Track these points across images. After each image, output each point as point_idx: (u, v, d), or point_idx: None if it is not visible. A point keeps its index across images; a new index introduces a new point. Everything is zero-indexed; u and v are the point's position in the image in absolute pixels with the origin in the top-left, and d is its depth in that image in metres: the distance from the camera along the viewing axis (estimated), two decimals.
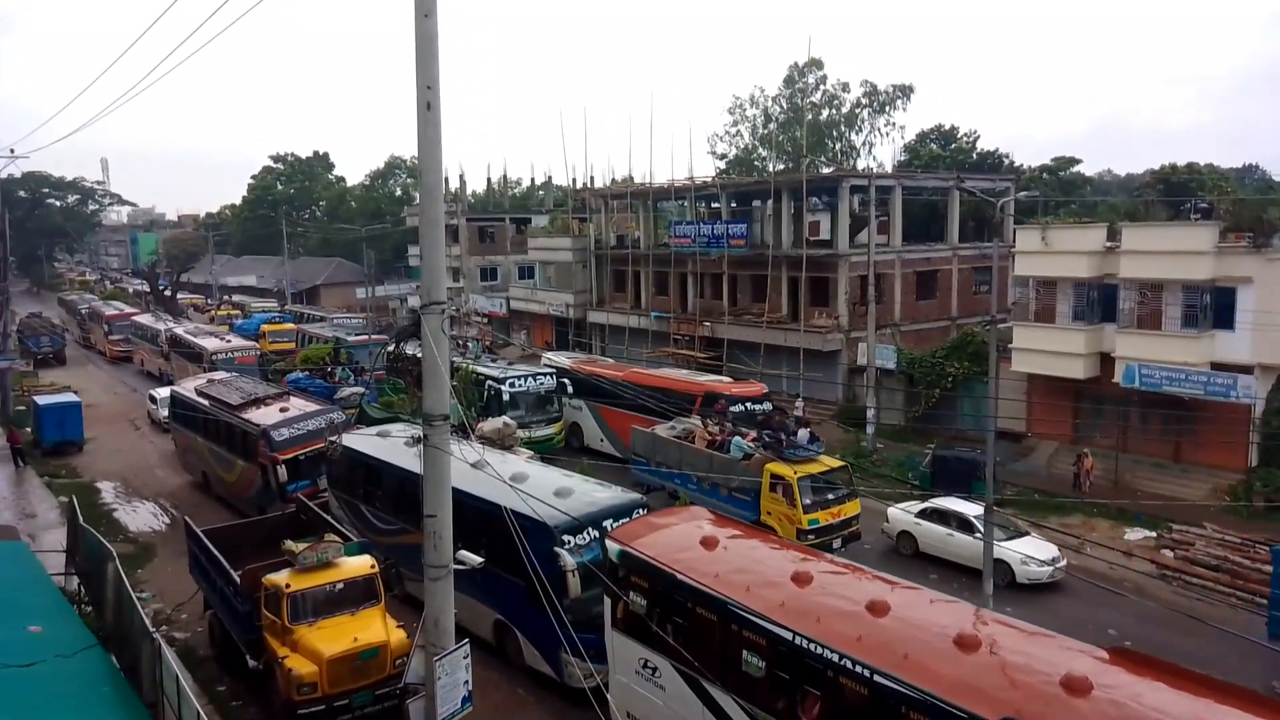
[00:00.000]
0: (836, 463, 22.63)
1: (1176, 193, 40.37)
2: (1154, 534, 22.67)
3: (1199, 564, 20.51)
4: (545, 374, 30.79)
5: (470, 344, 42.93)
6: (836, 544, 20.50)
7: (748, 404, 27.10)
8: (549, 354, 38.47)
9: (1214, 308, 25.34)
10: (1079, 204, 43.76)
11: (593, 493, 16.97)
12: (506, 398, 29.06)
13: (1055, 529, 21.86)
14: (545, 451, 26.25)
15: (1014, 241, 30.63)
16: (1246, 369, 24.66)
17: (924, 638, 10.26)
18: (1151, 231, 27.22)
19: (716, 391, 27.77)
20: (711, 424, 24.61)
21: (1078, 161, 53.83)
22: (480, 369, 31.00)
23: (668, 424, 25.50)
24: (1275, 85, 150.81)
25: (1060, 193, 47.08)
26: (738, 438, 22.91)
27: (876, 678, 9.78)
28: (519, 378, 30.20)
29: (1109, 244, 27.42)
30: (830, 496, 21.29)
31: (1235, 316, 24.98)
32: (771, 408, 27.13)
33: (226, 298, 75.24)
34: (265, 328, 52.12)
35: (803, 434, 22.72)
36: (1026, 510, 23.95)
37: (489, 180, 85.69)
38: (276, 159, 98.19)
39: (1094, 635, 15.45)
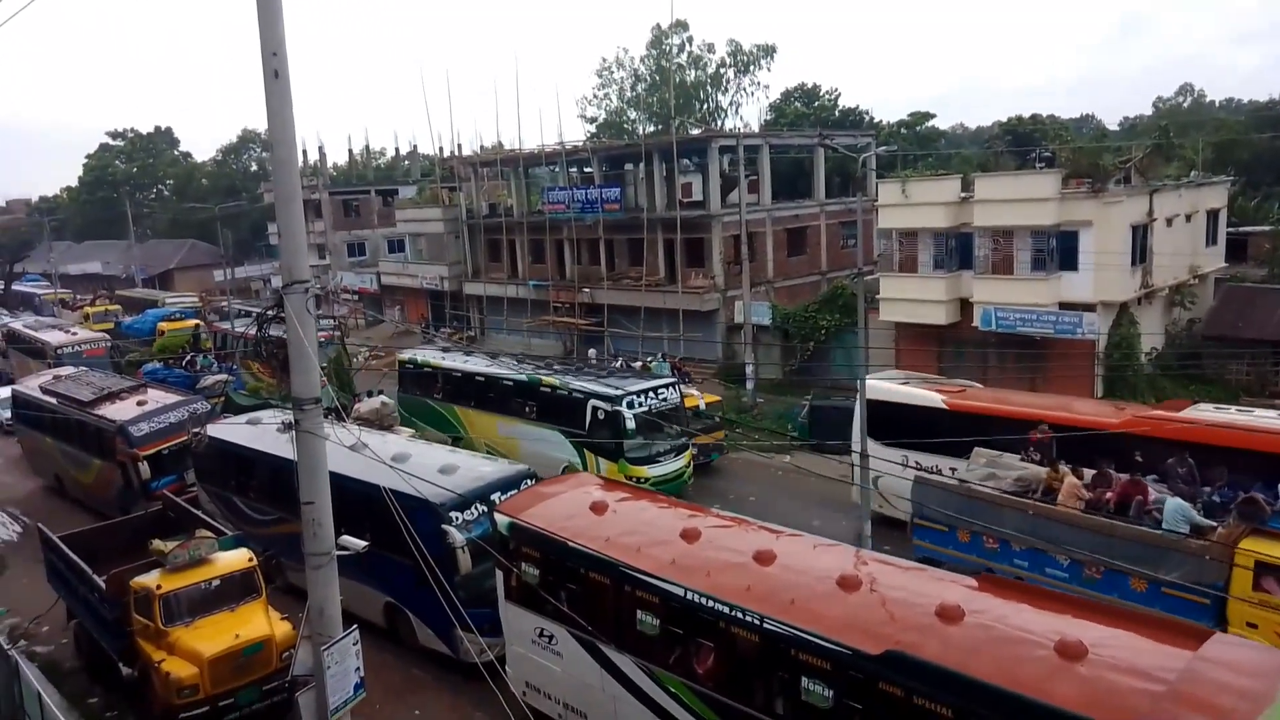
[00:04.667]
0: None
1: (1023, 143, 42.69)
2: None
3: None
4: (667, 384, 23.49)
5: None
6: None
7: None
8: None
9: (1059, 251, 26.98)
10: (935, 157, 45.69)
11: (479, 468, 16.76)
12: (629, 424, 21.55)
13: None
14: (675, 491, 19.91)
15: (877, 195, 31.73)
16: (1090, 307, 26.44)
17: (808, 582, 10.64)
18: (1000, 181, 28.66)
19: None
20: (1057, 464, 16.08)
21: (932, 116, 56.13)
22: (577, 383, 23.10)
23: (974, 465, 16.97)
24: (1111, 39, 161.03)
25: (918, 146, 49.01)
26: (1176, 500, 14.25)
27: (766, 624, 10.10)
28: (639, 394, 22.13)
29: (963, 194, 28.72)
30: None
31: (1078, 258, 26.69)
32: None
33: (104, 291, 64.03)
34: (164, 326, 44.65)
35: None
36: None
37: (350, 151, 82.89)
38: (114, 135, 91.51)
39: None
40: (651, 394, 22.26)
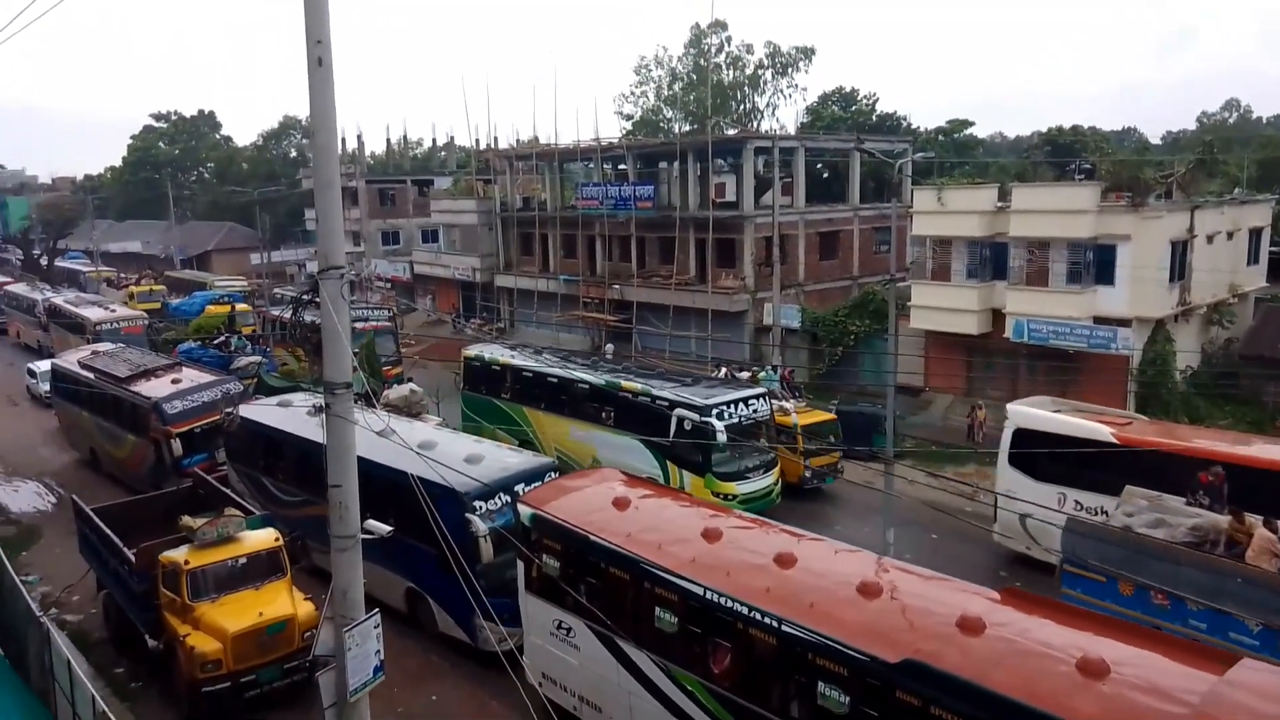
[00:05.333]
0: None
1: (1062, 154, 42.18)
2: None
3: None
4: (757, 394, 22.03)
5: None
6: None
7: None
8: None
9: (1096, 264, 26.66)
10: (972, 165, 45.28)
11: (504, 458, 16.88)
12: (719, 435, 20.18)
13: (950, 478, 22.83)
14: (763, 510, 18.15)
15: (912, 202, 31.52)
16: (1125, 322, 26.09)
17: (829, 586, 10.61)
18: (1038, 191, 28.36)
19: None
20: (1241, 514, 13.95)
21: (971, 124, 55.61)
22: (662, 389, 21.90)
23: (1129, 507, 14.99)
24: (1157, 51, 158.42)
25: (955, 154, 48.58)
26: None
27: (784, 627, 10.09)
28: (729, 404, 20.78)
29: (1000, 204, 28.46)
30: None
31: (1115, 272, 26.34)
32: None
33: (149, 270, 62.41)
34: (214, 309, 43.51)
35: None
36: (923, 461, 24.91)
37: (389, 141, 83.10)
38: (159, 118, 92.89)
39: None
40: (742, 404, 20.96)
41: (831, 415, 24.48)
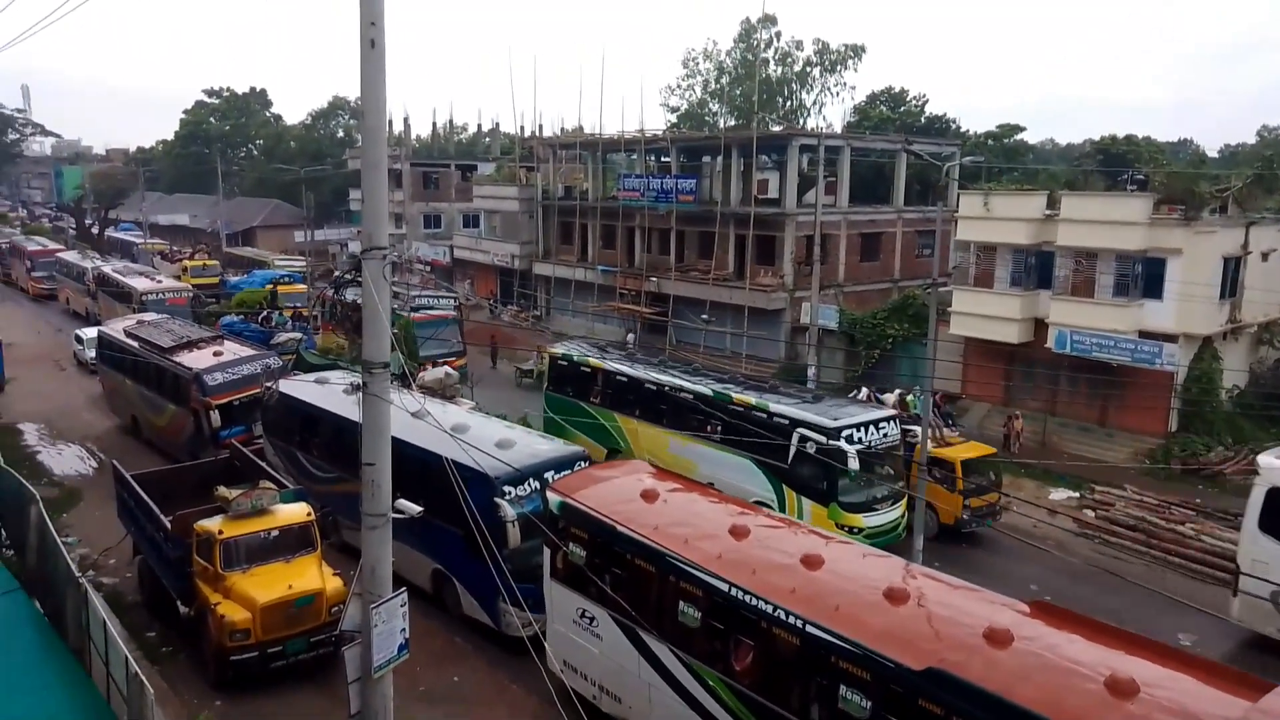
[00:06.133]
0: None
1: (1114, 164, 41.33)
2: (1077, 494, 23.55)
3: (1118, 523, 21.38)
4: (886, 417, 19.89)
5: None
6: None
7: None
8: None
9: (1144, 277, 26.12)
10: (1021, 171, 44.51)
11: (535, 445, 16.96)
12: (851, 462, 18.13)
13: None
14: (890, 545, 17.20)
15: (957, 206, 31.08)
16: (1171, 338, 25.54)
17: (855, 590, 10.54)
18: (1089, 201, 27.83)
19: None
20: None
21: (1021, 129, 54.62)
22: (782, 405, 19.91)
23: None
24: (1219, 62, 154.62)
25: (1004, 159, 47.81)
26: None
27: (808, 628, 10.03)
28: (860, 426, 18.87)
29: (1048, 212, 27.97)
30: None
31: (1164, 286, 25.79)
32: None
33: (202, 245, 62.90)
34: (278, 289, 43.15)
35: None
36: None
37: (434, 125, 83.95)
38: (211, 94, 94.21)
39: (1017, 589, 15.74)
40: (872, 427, 19.02)
41: (991, 449, 22.49)
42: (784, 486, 19.32)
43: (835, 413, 19.37)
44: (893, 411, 20.95)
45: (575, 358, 25.31)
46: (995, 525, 20.49)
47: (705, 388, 21.53)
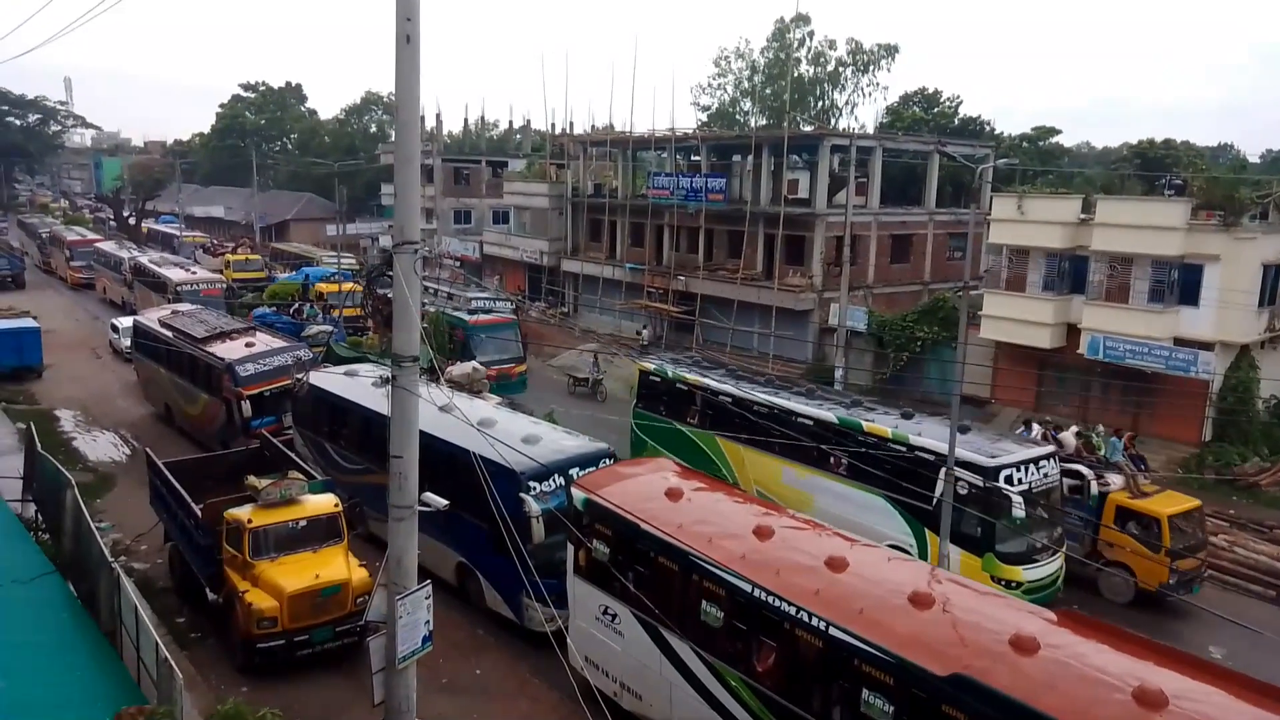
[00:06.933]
0: None
1: (1152, 168, 40.71)
2: None
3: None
4: (1046, 454, 17.36)
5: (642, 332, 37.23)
6: None
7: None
8: None
9: (1180, 283, 25.70)
10: (1056, 174, 43.98)
11: (561, 441, 17.02)
12: (1016, 510, 15.78)
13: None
14: (1045, 602, 13.67)
15: (990, 209, 30.73)
16: (1207, 345, 25.11)
17: (879, 594, 10.47)
18: (1125, 205, 27.41)
19: None
20: None
21: (1057, 132, 53.97)
22: (925, 440, 17.55)
23: None
24: (1261, 65, 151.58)
25: (1038, 162, 47.22)
26: None
27: (832, 630, 9.99)
28: (1020, 465, 16.58)
29: (1083, 216, 27.60)
30: None
31: (1200, 293, 25.36)
32: None
33: (245, 239, 60.86)
34: (322, 288, 41.62)
35: None
36: None
37: (466, 121, 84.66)
38: (247, 88, 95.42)
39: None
40: (1033, 466, 16.64)
41: (1196, 502, 18.65)
42: (925, 530, 17.18)
43: (992, 449, 17.08)
44: (1051, 448, 18.15)
45: (670, 374, 23.27)
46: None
47: (829, 413, 19.44)
